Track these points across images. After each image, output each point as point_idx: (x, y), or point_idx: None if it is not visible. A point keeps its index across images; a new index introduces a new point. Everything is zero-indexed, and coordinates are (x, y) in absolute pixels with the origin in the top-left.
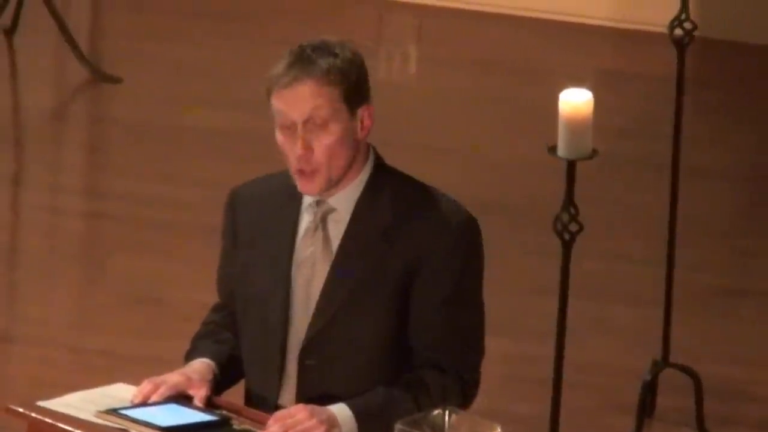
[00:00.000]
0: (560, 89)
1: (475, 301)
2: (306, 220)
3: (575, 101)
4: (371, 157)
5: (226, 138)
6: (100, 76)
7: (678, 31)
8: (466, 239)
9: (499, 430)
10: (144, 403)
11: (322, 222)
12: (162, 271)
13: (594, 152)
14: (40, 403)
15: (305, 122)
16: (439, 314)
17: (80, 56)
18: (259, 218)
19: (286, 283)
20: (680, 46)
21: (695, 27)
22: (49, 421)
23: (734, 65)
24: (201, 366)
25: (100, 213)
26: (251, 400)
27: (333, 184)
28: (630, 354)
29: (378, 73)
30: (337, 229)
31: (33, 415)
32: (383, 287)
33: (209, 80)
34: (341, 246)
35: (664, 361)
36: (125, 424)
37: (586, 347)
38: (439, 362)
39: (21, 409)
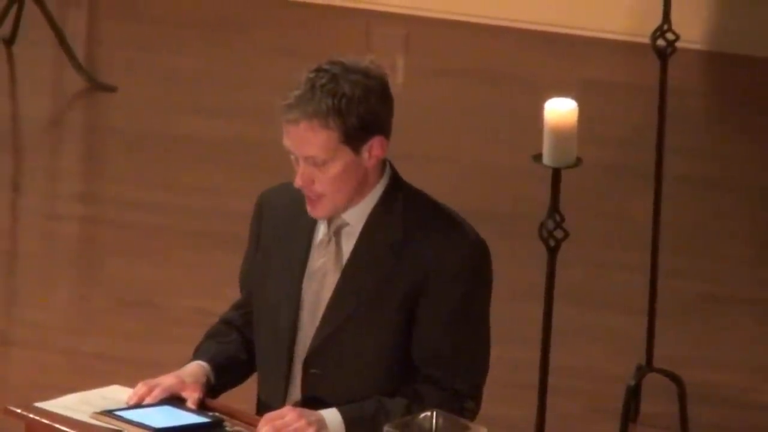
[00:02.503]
0: (545, 98)
1: (479, 323)
2: (321, 231)
3: (560, 110)
4: (387, 172)
5: (220, 146)
6: (96, 85)
7: (660, 42)
8: (473, 262)
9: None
10: (139, 405)
11: (336, 235)
12: (156, 276)
13: (578, 160)
14: (38, 404)
15: (305, 158)
16: (442, 332)
17: (77, 66)
18: (281, 225)
19: (297, 292)
20: (663, 56)
21: (677, 37)
22: (46, 421)
23: (716, 75)
24: (195, 369)
25: (96, 219)
26: (260, 405)
27: (341, 209)
28: (615, 359)
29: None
30: (349, 242)
31: (30, 415)
32: (389, 302)
33: (203, 89)
34: (351, 259)
35: (648, 366)
36: (120, 425)
37: (571, 353)
38: (439, 379)
39: (18, 410)
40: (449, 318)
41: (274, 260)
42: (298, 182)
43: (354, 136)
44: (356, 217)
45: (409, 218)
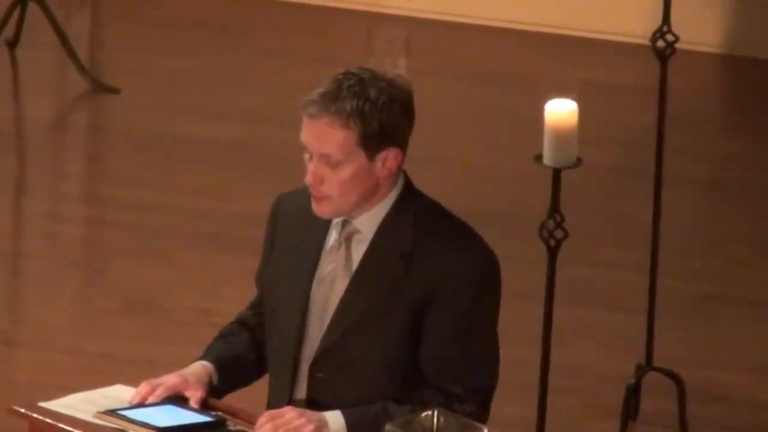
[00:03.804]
0: (546, 99)
1: (486, 334)
2: (332, 237)
3: (560, 111)
4: (401, 181)
5: (221, 147)
6: (100, 87)
7: (660, 43)
8: (482, 274)
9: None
10: (142, 404)
11: (347, 241)
12: (159, 277)
13: (579, 161)
14: (41, 404)
15: (319, 156)
16: (448, 342)
17: (80, 68)
18: (294, 229)
19: (305, 297)
20: (662, 57)
21: (677, 39)
22: (50, 421)
23: (716, 76)
24: (198, 368)
25: (99, 220)
26: (269, 406)
27: (345, 213)
28: (615, 358)
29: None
30: (359, 249)
31: (34, 415)
32: (396, 310)
33: (204, 91)
34: (360, 266)
35: (647, 365)
36: (123, 425)
37: (571, 352)
38: (444, 387)
39: (23, 410)
40: (456, 328)
41: (285, 262)
42: (308, 179)
43: (371, 142)
44: (367, 225)
45: (419, 228)
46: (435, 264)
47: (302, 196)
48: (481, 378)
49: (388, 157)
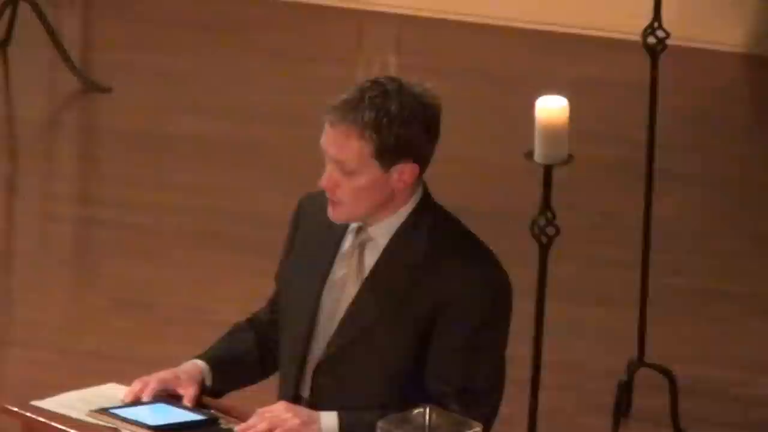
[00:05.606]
0: (537, 96)
1: (492, 354)
2: (347, 242)
3: (551, 108)
4: (419, 192)
5: (214, 145)
6: (91, 86)
7: (651, 39)
8: (492, 293)
9: (478, 429)
10: (134, 403)
11: (360, 247)
12: (151, 276)
13: (570, 157)
14: (34, 403)
15: (335, 162)
16: (453, 360)
17: (72, 67)
18: (313, 231)
19: (316, 300)
20: (653, 53)
21: (668, 35)
22: (43, 420)
23: (706, 72)
24: (190, 367)
25: (91, 219)
26: None
27: (359, 220)
28: (607, 355)
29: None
30: (372, 257)
31: (27, 414)
32: (403, 322)
33: (197, 89)
34: (371, 274)
35: (639, 361)
36: (116, 423)
37: (563, 348)
38: (448, 404)
39: (15, 409)
40: (462, 343)
41: (301, 263)
42: (322, 183)
43: (386, 155)
44: (382, 233)
45: (433, 241)
46: (446, 278)
47: (324, 199)
48: (483, 398)
49: (404, 171)
